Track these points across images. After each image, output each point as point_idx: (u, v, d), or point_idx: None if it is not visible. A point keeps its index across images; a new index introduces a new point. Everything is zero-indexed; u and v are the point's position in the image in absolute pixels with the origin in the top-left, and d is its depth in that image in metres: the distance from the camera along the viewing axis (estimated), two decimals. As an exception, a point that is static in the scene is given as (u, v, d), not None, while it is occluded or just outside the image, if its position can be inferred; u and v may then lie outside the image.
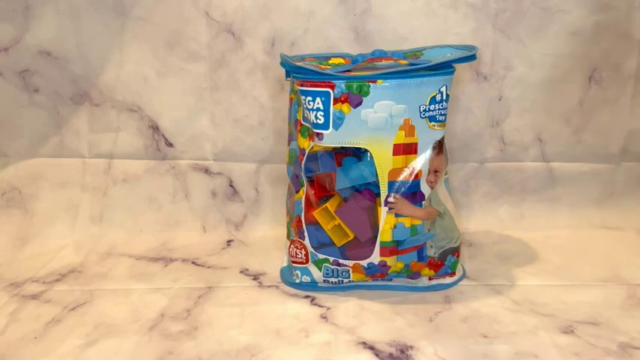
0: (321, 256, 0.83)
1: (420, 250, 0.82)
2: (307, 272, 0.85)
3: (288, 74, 0.86)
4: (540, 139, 1.06)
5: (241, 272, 0.92)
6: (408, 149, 0.78)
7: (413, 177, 0.78)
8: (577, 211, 1.07)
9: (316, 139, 0.78)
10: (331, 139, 0.77)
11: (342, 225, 0.82)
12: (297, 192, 0.84)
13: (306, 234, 0.83)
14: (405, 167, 0.78)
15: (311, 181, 0.83)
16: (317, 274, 0.85)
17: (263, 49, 1.00)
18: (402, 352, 0.71)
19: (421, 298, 0.83)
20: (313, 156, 0.82)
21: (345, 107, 0.76)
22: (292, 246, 0.86)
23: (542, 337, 0.73)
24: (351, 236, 0.82)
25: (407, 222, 0.79)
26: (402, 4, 0.99)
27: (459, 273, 0.88)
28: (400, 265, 0.82)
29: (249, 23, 0.99)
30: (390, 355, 0.71)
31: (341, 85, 0.76)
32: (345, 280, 0.84)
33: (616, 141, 1.07)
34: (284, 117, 1.02)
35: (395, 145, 0.77)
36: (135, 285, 0.89)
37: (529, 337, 0.73)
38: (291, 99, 0.85)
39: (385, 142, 0.77)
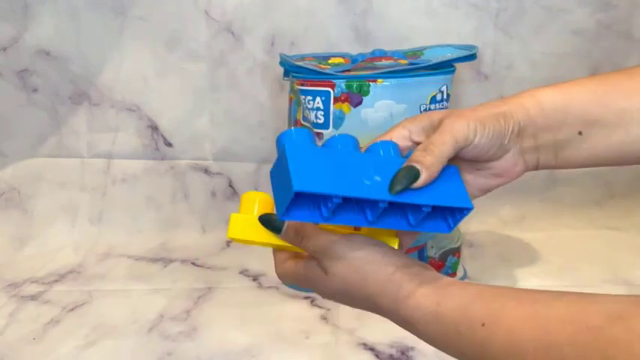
0: (321, 257, 0.83)
1: (421, 251, 0.81)
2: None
3: (286, 73, 0.85)
4: (541, 138, 1.05)
5: (241, 273, 0.92)
6: (408, 149, 0.77)
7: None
8: (578, 212, 1.07)
9: (316, 138, 0.78)
10: (331, 138, 0.77)
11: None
12: (297, 192, 0.84)
13: (306, 234, 0.83)
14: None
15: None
16: (317, 275, 0.84)
17: (263, 49, 1.00)
18: (403, 353, 0.71)
19: (422, 299, 0.83)
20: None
21: (345, 107, 0.76)
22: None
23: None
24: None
25: (407, 222, 0.79)
26: (403, 3, 0.98)
27: (459, 273, 0.87)
28: (401, 266, 0.81)
29: (248, 22, 0.99)
30: (391, 356, 0.70)
31: (341, 84, 0.75)
32: (346, 281, 0.84)
33: (617, 141, 1.06)
34: (284, 117, 1.01)
35: (395, 145, 0.77)
36: (134, 286, 0.89)
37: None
38: (290, 99, 0.85)
39: (386, 142, 0.76)
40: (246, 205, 0.48)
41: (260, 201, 0.48)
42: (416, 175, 0.44)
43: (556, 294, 0.36)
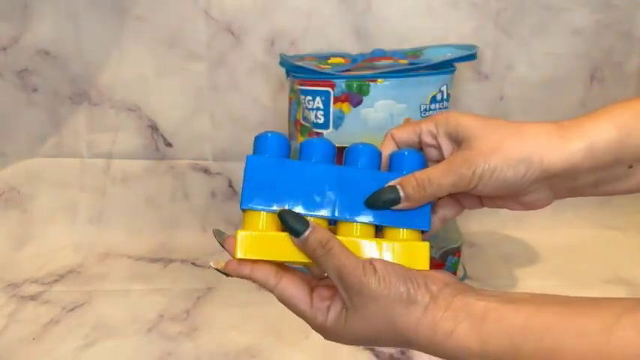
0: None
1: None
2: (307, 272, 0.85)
3: (289, 73, 0.85)
4: (541, 138, 1.05)
5: (241, 273, 0.92)
6: (408, 149, 0.77)
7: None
8: (579, 212, 1.07)
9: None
10: (331, 138, 0.77)
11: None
12: (297, 192, 0.84)
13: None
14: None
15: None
16: (317, 275, 0.84)
17: (263, 49, 1.00)
18: (403, 353, 0.71)
19: (422, 299, 0.83)
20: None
21: (345, 106, 0.76)
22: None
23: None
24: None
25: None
26: (403, 3, 0.98)
27: (459, 273, 0.87)
28: (401, 266, 0.81)
29: (248, 22, 0.99)
30: (391, 356, 0.70)
31: (341, 84, 0.75)
32: (346, 281, 0.84)
33: (618, 141, 1.06)
34: (284, 117, 1.01)
35: (395, 145, 0.77)
36: (134, 286, 0.89)
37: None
38: (290, 99, 0.84)
39: (386, 142, 0.76)
40: (250, 221, 0.47)
41: (265, 216, 0.46)
42: (394, 201, 0.43)
43: (606, 323, 0.33)
